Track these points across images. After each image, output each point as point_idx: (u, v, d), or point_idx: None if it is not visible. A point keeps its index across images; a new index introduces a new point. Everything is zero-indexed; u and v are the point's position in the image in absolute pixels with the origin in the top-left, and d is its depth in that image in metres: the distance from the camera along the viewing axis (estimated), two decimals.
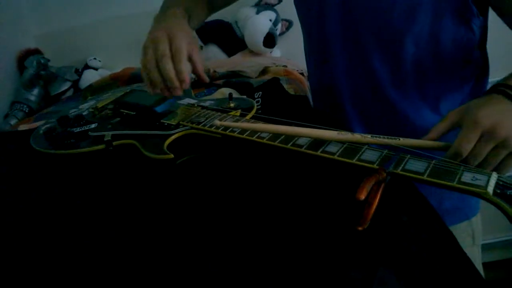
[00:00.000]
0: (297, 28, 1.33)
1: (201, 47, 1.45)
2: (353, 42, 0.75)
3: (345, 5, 0.73)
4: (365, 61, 0.75)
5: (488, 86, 0.61)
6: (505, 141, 0.49)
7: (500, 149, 0.50)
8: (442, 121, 0.55)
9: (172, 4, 0.80)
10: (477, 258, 0.87)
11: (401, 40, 0.71)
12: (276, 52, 1.49)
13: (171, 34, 0.66)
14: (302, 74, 1.16)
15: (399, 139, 0.52)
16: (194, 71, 0.69)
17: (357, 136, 0.53)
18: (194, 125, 0.65)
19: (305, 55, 0.92)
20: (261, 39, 1.38)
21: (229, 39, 1.46)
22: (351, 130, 0.55)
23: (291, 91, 0.98)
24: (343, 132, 0.53)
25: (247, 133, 0.59)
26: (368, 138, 0.54)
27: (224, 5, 0.95)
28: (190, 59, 0.67)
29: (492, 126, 0.49)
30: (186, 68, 0.64)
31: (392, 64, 0.74)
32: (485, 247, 0.88)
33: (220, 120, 0.63)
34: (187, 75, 0.64)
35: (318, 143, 0.55)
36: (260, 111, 0.70)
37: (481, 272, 0.85)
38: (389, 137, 0.53)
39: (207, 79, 0.72)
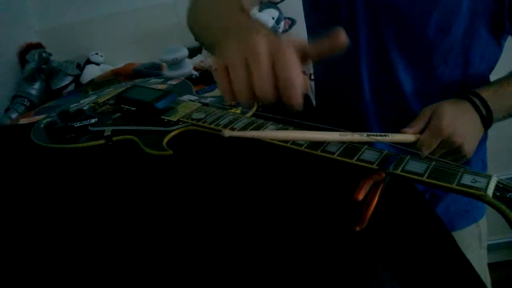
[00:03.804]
0: (299, 26, 1.33)
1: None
2: (380, 55, 0.73)
3: (373, 16, 0.70)
4: (391, 76, 0.73)
5: None
6: (457, 148, 0.60)
7: (452, 152, 0.61)
8: (418, 120, 0.61)
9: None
10: (483, 260, 0.86)
11: (431, 53, 0.69)
12: None
13: (273, 44, 0.45)
14: (303, 72, 1.15)
15: (388, 135, 0.56)
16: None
17: (356, 136, 0.53)
18: (194, 122, 0.65)
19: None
20: None
21: None
22: (366, 130, 0.55)
23: None
24: (343, 133, 0.53)
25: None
26: (364, 137, 0.53)
27: None
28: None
29: (451, 135, 0.59)
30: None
31: (420, 78, 0.72)
32: (489, 248, 0.88)
33: (225, 127, 0.61)
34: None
35: (318, 142, 0.55)
36: (260, 109, 0.70)
37: (487, 274, 0.85)
38: (381, 134, 0.55)
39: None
